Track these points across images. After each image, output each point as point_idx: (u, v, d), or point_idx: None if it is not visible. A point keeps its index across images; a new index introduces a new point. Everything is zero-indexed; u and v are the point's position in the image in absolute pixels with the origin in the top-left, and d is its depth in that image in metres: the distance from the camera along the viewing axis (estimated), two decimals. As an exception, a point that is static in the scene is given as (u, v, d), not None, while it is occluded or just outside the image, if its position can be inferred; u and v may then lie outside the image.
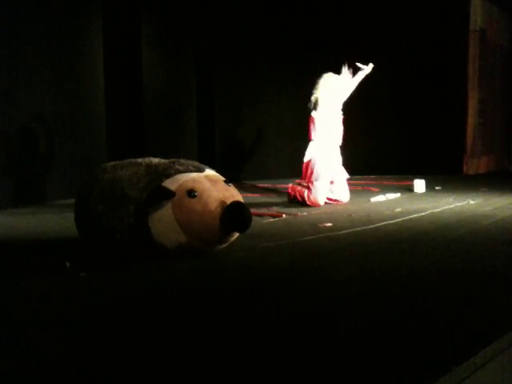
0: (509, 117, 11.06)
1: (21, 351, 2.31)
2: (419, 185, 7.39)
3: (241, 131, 9.57)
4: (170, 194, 3.74)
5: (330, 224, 5.02)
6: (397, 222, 5.09)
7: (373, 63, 6.68)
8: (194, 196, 3.74)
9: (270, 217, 5.53)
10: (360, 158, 9.27)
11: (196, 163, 4.11)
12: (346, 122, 6.59)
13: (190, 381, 2.02)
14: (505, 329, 2.42)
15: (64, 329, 2.57)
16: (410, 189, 7.41)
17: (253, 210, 4.31)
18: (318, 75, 6.48)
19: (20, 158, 6.55)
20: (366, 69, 6.63)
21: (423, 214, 5.52)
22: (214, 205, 3.74)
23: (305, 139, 6.52)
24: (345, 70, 6.52)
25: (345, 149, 6.71)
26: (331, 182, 6.42)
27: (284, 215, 5.59)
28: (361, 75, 6.62)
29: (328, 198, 6.43)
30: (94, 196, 3.99)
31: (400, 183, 8.22)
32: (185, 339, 2.39)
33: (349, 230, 4.72)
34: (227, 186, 3.94)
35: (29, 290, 3.19)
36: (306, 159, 6.41)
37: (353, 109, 7.27)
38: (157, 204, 3.74)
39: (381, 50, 9.46)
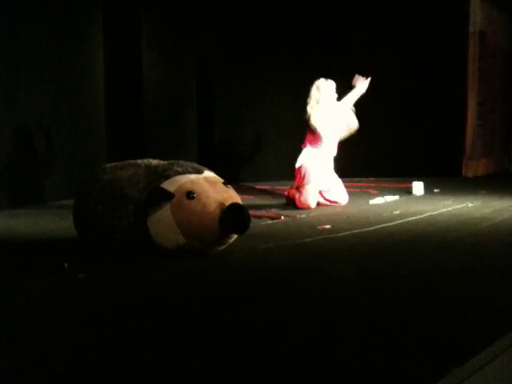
0: (508, 118, 11.06)
1: (21, 351, 2.31)
2: (418, 187, 7.40)
3: (241, 131, 9.56)
4: (169, 196, 3.75)
5: (328, 226, 5.02)
6: (395, 225, 5.10)
7: (371, 70, 6.61)
8: (193, 197, 3.75)
9: (269, 218, 5.53)
10: (359, 160, 9.28)
11: (195, 165, 4.13)
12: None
13: (190, 381, 2.02)
14: (504, 330, 2.42)
15: (64, 329, 2.57)
16: (409, 191, 7.42)
17: (251, 212, 4.32)
18: (311, 82, 6.47)
19: (19, 158, 6.54)
20: (362, 85, 6.51)
21: (421, 216, 5.53)
22: (212, 206, 3.75)
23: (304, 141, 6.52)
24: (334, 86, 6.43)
25: (344, 151, 6.72)
26: (326, 188, 6.42)
27: (283, 217, 5.59)
28: (355, 94, 6.48)
29: (327, 200, 6.44)
30: (94, 196, 4.00)
31: (399, 185, 8.23)
32: (185, 339, 2.40)
33: (347, 232, 4.73)
34: (226, 188, 3.96)
35: (28, 290, 3.20)
36: (297, 165, 6.41)
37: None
38: (156, 205, 3.75)
39: (380, 51, 9.46)
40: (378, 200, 6.75)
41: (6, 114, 6.30)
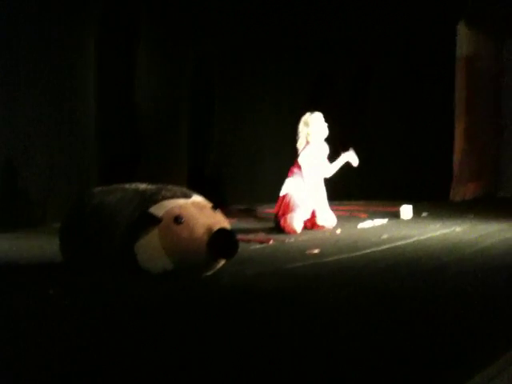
0: (496, 142, 11.12)
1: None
2: (406, 211, 7.41)
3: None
4: (156, 220, 3.75)
5: (317, 250, 5.02)
6: (383, 250, 5.12)
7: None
8: (181, 222, 3.75)
9: (258, 243, 5.52)
10: (348, 183, 9.27)
11: (183, 189, 4.14)
12: (332, 150, 6.65)
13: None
14: (493, 354, 2.44)
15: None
16: (397, 215, 7.43)
17: (240, 236, 4.32)
18: (301, 115, 6.52)
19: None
20: (351, 158, 6.70)
21: (409, 240, 5.55)
22: (200, 231, 3.75)
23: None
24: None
25: (333, 174, 6.74)
26: (313, 213, 6.42)
27: (271, 241, 5.58)
28: (341, 162, 6.67)
29: (314, 224, 6.42)
30: (82, 221, 4.00)
31: (387, 209, 8.24)
32: (169, 365, 2.38)
33: (335, 257, 4.75)
34: (214, 213, 3.96)
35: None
36: (282, 193, 6.41)
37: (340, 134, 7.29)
38: (143, 230, 3.75)
39: (368, 77, 9.51)
40: (367, 224, 6.76)
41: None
